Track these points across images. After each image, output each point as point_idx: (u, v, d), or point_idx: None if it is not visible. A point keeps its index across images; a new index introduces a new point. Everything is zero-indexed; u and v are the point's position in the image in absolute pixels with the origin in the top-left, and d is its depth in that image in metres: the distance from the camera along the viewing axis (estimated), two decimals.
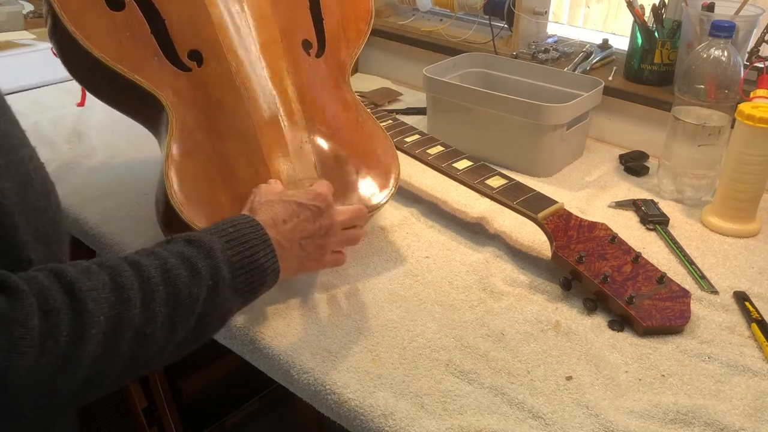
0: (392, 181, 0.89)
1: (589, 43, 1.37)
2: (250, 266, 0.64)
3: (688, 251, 0.91)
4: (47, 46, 1.65)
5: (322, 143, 0.87)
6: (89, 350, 0.50)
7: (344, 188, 0.86)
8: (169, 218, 0.78)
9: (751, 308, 0.80)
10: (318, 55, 0.90)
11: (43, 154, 0.68)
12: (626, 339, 0.76)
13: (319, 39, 0.90)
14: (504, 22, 1.37)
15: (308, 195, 0.74)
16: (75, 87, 1.43)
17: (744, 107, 0.91)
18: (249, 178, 0.80)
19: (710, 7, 1.11)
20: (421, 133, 1.05)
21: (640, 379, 0.70)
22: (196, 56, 0.81)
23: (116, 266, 0.55)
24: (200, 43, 0.81)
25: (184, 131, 0.79)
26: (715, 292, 0.84)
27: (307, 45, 0.89)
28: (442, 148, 1.00)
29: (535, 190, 0.91)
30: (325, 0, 0.91)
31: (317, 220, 0.74)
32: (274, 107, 0.84)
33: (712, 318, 0.80)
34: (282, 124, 0.84)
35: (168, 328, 0.56)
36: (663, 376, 0.71)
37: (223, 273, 0.61)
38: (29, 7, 1.97)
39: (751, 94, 0.96)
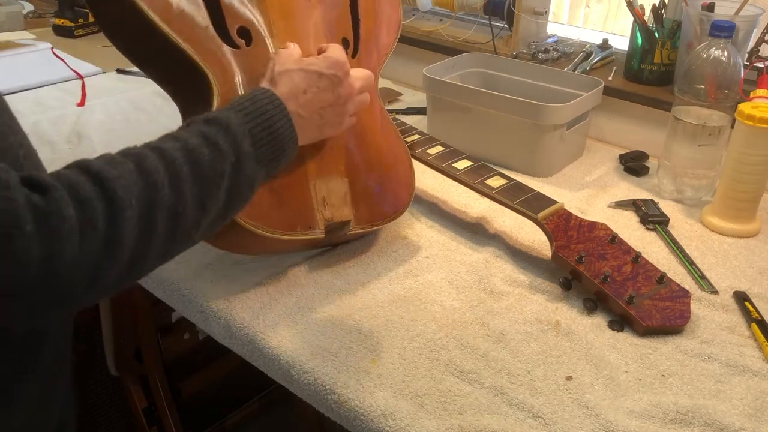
0: (409, 195, 0.91)
1: (589, 43, 1.37)
2: (269, 137, 0.66)
3: (688, 251, 0.91)
4: (47, 46, 1.65)
5: (353, 144, 0.86)
6: (127, 233, 0.52)
7: (364, 193, 0.86)
8: None
9: (751, 308, 0.80)
10: (353, 56, 0.89)
11: (43, 154, 0.69)
12: (626, 339, 0.76)
13: (355, 39, 0.90)
14: (504, 22, 1.37)
15: (327, 63, 0.74)
16: (75, 87, 1.43)
17: (744, 107, 0.91)
18: (287, 167, 0.78)
19: (710, 7, 1.11)
20: (421, 133, 1.05)
21: (640, 379, 0.70)
22: (245, 34, 0.79)
23: (139, 153, 0.57)
24: (253, 20, 0.79)
25: None
26: (715, 292, 0.84)
27: (345, 43, 0.88)
28: (442, 148, 1.00)
29: (535, 190, 0.91)
30: (362, 2, 0.91)
31: (336, 88, 0.74)
32: None
33: (712, 318, 0.80)
34: None
35: (199, 204, 0.58)
36: (663, 376, 0.71)
37: (245, 146, 0.63)
38: (29, 7, 1.97)
39: (751, 94, 0.96)
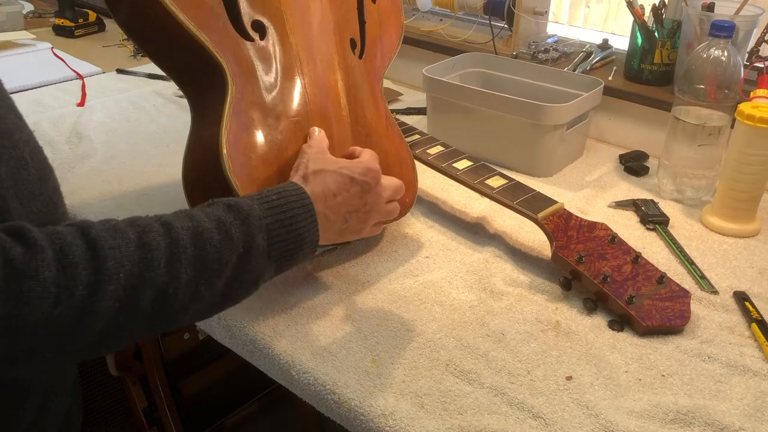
0: (411, 198, 0.91)
1: (589, 43, 1.37)
2: (288, 235, 0.65)
3: (688, 251, 0.91)
4: (47, 46, 1.66)
5: (362, 143, 0.86)
6: (106, 305, 0.51)
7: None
8: (213, 181, 0.77)
9: (751, 308, 0.80)
10: (360, 56, 0.89)
11: None
12: (626, 339, 0.76)
13: (362, 40, 0.90)
14: (504, 22, 1.37)
15: (360, 169, 0.74)
16: (75, 87, 1.44)
17: (744, 107, 0.91)
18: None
19: (710, 7, 1.11)
20: (421, 133, 1.05)
21: (640, 379, 0.70)
22: (259, 27, 0.79)
23: (146, 226, 0.56)
24: (266, 15, 0.79)
25: (242, 102, 0.76)
26: (715, 292, 0.84)
27: (353, 44, 0.88)
28: (442, 148, 1.00)
29: (535, 190, 0.91)
30: (368, 5, 0.91)
31: (365, 195, 0.74)
32: (326, 99, 0.83)
33: (712, 318, 0.80)
34: (331, 116, 0.83)
35: (192, 289, 0.57)
36: (663, 376, 0.71)
37: (258, 240, 0.62)
38: (29, 7, 1.98)
39: (751, 94, 0.96)
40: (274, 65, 0.79)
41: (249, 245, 0.61)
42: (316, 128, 0.79)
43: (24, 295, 0.47)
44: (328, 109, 0.83)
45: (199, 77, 0.80)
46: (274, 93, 0.79)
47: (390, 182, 0.79)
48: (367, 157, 0.78)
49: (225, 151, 0.73)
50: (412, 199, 0.92)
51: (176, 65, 0.82)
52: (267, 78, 0.78)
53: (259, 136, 0.77)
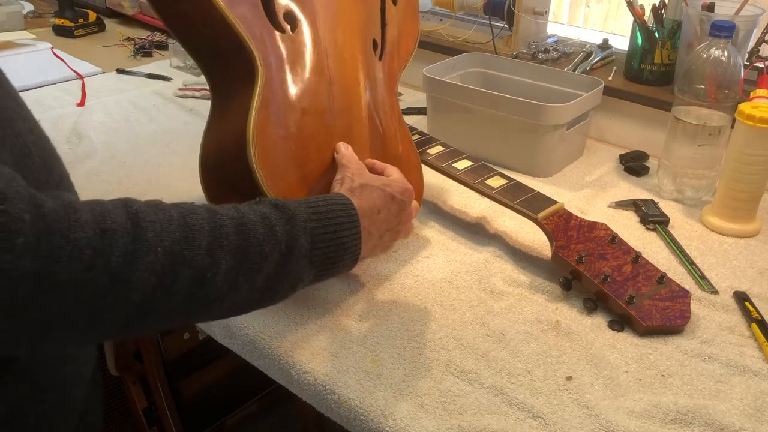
0: (418, 202, 0.90)
1: (589, 43, 1.37)
2: (331, 242, 0.64)
3: (688, 251, 0.91)
4: (47, 46, 1.66)
5: (378, 145, 0.86)
6: (141, 276, 0.50)
7: None
8: (234, 170, 0.76)
9: (751, 308, 0.80)
10: (380, 58, 0.90)
11: None
12: (626, 339, 0.76)
13: (382, 42, 0.90)
14: (504, 22, 1.37)
15: (399, 188, 0.75)
16: (75, 87, 1.43)
17: (744, 107, 0.91)
18: (319, 162, 0.79)
19: (710, 7, 1.11)
20: (421, 133, 1.05)
21: (640, 379, 0.70)
22: (291, 19, 0.78)
23: (191, 208, 0.56)
24: (298, 6, 0.79)
25: (270, 93, 0.75)
26: (715, 292, 0.84)
27: (374, 44, 0.88)
28: (442, 148, 1.00)
29: (535, 190, 0.91)
30: (389, 7, 0.91)
31: (400, 214, 0.75)
32: (349, 97, 0.83)
33: (712, 318, 0.80)
34: (353, 116, 0.83)
35: (231, 278, 0.56)
36: (663, 376, 0.71)
37: (301, 241, 0.61)
38: (29, 7, 1.98)
39: (751, 94, 0.96)
40: (302, 58, 0.79)
41: (292, 245, 0.60)
42: (342, 144, 0.80)
43: (54, 252, 0.46)
44: (351, 108, 0.83)
45: (228, 64, 0.79)
46: (301, 86, 0.78)
47: (416, 203, 0.80)
48: (400, 175, 0.79)
49: (252, 142, 0.72)
50: (419, 204, 0.91)
51: (205, 48, 0.81)
52: (295, 71, 0.78)
53: (285, 130, 0.76)
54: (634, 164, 1.14)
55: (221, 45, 0.76)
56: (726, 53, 0.96)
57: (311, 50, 0.79)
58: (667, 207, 1.02)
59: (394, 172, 0.80)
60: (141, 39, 1.74)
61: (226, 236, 0.55)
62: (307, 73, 0.79)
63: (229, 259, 0.55)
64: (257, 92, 0.74)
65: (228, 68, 0.79)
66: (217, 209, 0.57)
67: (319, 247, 0.63)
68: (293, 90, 0.77)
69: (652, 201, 1.03)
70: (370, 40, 0.87)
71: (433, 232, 0.95)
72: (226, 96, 0.80)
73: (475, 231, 0.96)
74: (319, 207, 0.65)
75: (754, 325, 0.77)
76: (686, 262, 0.89)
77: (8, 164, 0.56)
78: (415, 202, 0.80)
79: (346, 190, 0.72)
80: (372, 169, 0.81)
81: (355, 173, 0.75)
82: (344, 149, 0.79)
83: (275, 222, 0.60)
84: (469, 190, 0.94)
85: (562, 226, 0.85)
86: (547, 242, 0.85)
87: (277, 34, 0.77)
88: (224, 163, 0.79)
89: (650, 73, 1.20)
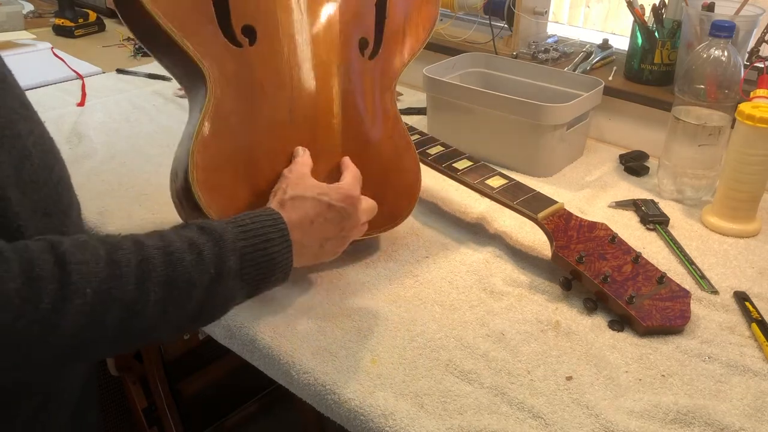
0: (408, 209, 0.90)
1: (589, 43, 1.37)
2: (261, 259, 0.64)
3: (688, 251, 0.91)
4: (47, 46, 1.66)
5: (356, 149, 0.84)
6: (71, 319, 0.51)
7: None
8: (185, 194, 0.76)
9: (751, 308, 0.80)
10: (371, 57, 0.85)
11: None
12: (626, 339, 0.76)
13: (376, 39, 0.85)
14: (504, 22, 1.37)
15: (339, 195, 0.74)
16: (75, 87, 1.43)
17: (744, 107, 0.91)
18: (272, 174, 0.77)
19: (710, 7, 1.11)
20: (421, 133, 1.05)
21: (640, 379, 0.70)
22: (250, 32, 0.75)
23: (117, 243, 0.56)
24: (258, 20, 0.76)
25: (219, 111, 0.74)
26: (715, 292, 0.84)
27: (363, 44, 0.84)
28: (442, 148, 1.00)
29: (535, 190, 0.91)
30: None
31: (342, 222, 0.74)
32: (316, 105, 0.80)
33: (712, 318, 0.80)
34: (318, 126, 0.80)
35: (161, 308, 0.56)
36: (663, 376, 0.71)
37: (230, 263, 0.61)
38: (29, 7, 1.97)
39: (751, 94, 0.96)
40: (260, 72, 0.76)
41: (221, 267, 0.60)
42: (301, 148, 0.78)
43: None
44: (317, 118, 0.80)
45: (188, 80, 0.78)
46: (256, 101, 0.76)
47: (367, 205, 0.78)
48: (348, 180, 0.77)
49: (192, 159, 0.72)
50: (410, 207, 0.90)
51: (177, 69, 0.81)
52: (251, 86, 0.76)
53: (233, 146, 0.75)
54: (634, 164, 1.14)
55: (179, 63, 0.75)
56: (726, 53, 0.96)
57: (270, 62, 0.77)
58: (667, 207, 1.02)
59: (347, 176, 0.78)
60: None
61: (153, 268, 0.56)
62: (265, 86, 0.76)
63: (158, 291, 0.56)
64: (204, 110, 0.73)
65: (194, 87, 0.78)
66: (144, 240, 0.57)
67: (249, 265, 0.63)
68: (245, 105, 0.76)
69: (652, 201, 1.03)
70: (355, 39, 0.83)
71: (433, 232, 0.95)
72: (191, 111, 0.79)
73: (475, 231, 0.96)
74: (246, 225, 0.64)
75: (754, 325, 0.77)
76: (686, 262, 0.89)
77: (6, 165, 0.57)
78: (370, 203, 0.79)
79: (276, 204, 0.71)
80: (337, 168, 0.80)
81: (290, 183, 0.73)
82: (299, 157, 0.77)
83: (203, 246, 0.59)
84: (469, 190, 0.94)
85: (562, 226, 0.85)
86: (547, 242, 0.85)
87: (233, 49, 0.75)
88: (177, 178, 0.77)
89: (650, 73, 1.20)
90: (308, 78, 0.79)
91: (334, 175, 0.81)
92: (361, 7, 0.83)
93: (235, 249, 0.62)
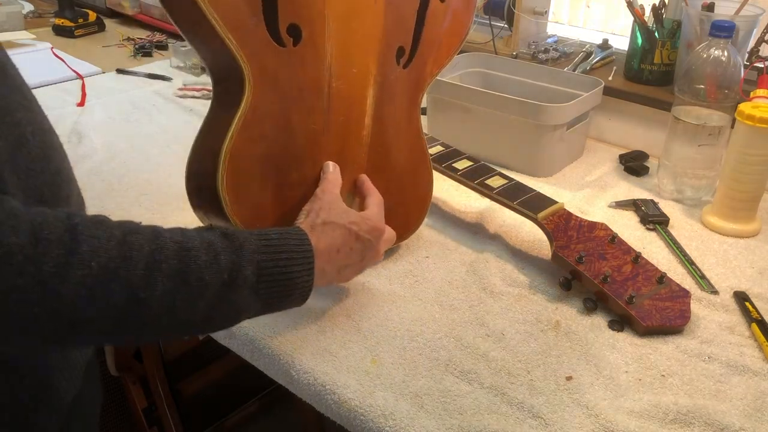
0: (419, 222, 0.90)
1: (589, 43, 1.37)
2: (280, 276, 0.63)
3: (688, 251, 0.91)
4: (47, 46, 1.66)
5: (375, 170, 0.83)
6: (72, 289, 0.50)
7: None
8: (208, 195, 0.73)
9: (751, 308, 0.80)
10: (405, 66, 0.83)
11: None
12: (626, 339, 0.76)
13: (412, 48, 0.83)
14: (504, 22, 1.37)
15: (368, 227, 0.73)
16: (75, 87, 1.44)
17: (744, 107, 0.91)
18: (299, 183, 0.76)
19: (710, 7, 1.11)
20: None
21: (640, 379, 0.70)
22: (295, 32, 0.72)
23: (134, 228, 0.55)
24: (305, 20, 0.72)
25: (255, 113, 0.71)
26: (715, 292, 0.84)
27: (400, 53, 0.81)
28: (442, 148, 1.00)
29: (535, 190, 0.91)
30: (434, 5, 0.82)
31: (365, 252, 0.73)
32: (349, 116, 0.78)
33: (712, 318, 0.80)
34: (350, 135, 0.79)
35: (167, 301, 0.56)
36: (663, 376, 0.71)
37: (246, 272, 0.60)
38: (29, 7, 1.97)
39: (751, 94, 0.96)
40: (300, 76, 0.73)
41: (235, 275, 0.59)
42: (331, 164, 0.77)
43: None
44: (350, 127, 0.79)
45: (228, 77, 0.74)
46: (294, 105, 0.74)
47: (388, 236, 0.78)
48: (375, 210, 0.77)
49: (223, 165, 0.70)
50: (421, 217, 0.90)
51: (213, 60, 0.76)
52: (289, 89, 0.73)
53: (265, 151, 0.73)
54: (634, 164, 1.14)
55: (224, 58, 0.72)
56: (726, 53, 0.96)
57: (312, 67, 0.74)
58: (667, 207, 1.02)
59: (373, 205, 0.77)
60: (141, 39, 1.74)
61: (165, 259, 0.55)
62: (303, 90, 0.74)
63: (166, 282, 0.55)
64: (241, 111, 0.70)
65: (228, 81, 0.74)
66: (163, 231, 0.57)
67: (266, 281, 0.62)
68: (282, 109, 0.73)
69: (652, 201, 1.03)
70: (394, 48, 0.80)
71: (433, 232, 0.95)
72: (219, 108, 0.76)
73: (475, 231, 0.96)
74: (271, 240, 0.64)
75: (754, 325, 0.77)
76: (686, 262, 0.89)
77: (2, 150, 0.57)
78: (390, 234, 0.78)
79: (308, 226, 0.70)
80: (359, 189, 0.80)
81: (324, 207, 0.73)
82: (330, 174, 0.77)
83: (221, 251, 0.59)
84: (469, 190, 0.94)
85: (562, 226, 0.85)
86: (547, 242, 0.85)
87: (276, 48, 0.71)
88: (199, 176, 0.75)
89: (650, 73, 1.20)
90: (346, 87, 0.77)
91: (353, 188, 0.81)
92: (404, 14, 0.81)
93: (253, 260, 0.61)
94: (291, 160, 0.75)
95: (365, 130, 0.81)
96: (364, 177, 0.82)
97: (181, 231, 0.59)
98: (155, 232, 0.56)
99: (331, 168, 0.77)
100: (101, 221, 0.54)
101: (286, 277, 0.64)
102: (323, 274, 0.69)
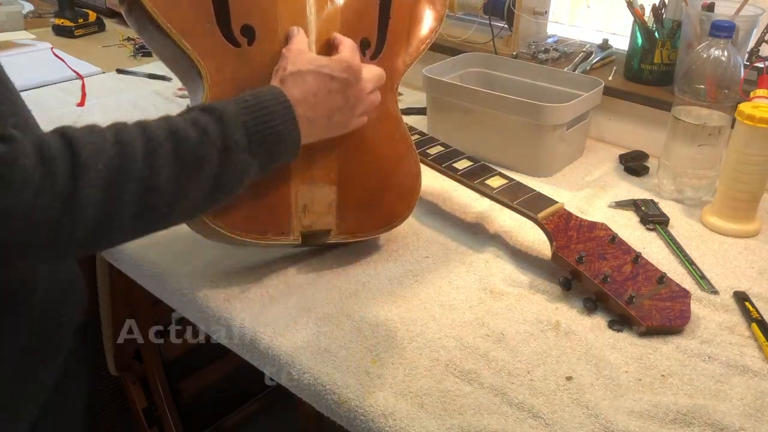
0: (407, 210, 0.89)
1: (589, 43, 1.37)
2: (267, 131, 0.66)
3: (688, 251, 0.91)
4: (47, 46, 1.66)
5: (350, 153, 0.83)
6: (89, 193, 0.54)
7: (354, 203, 0.84)
8: None
9: (751, 308, 0.80)
10: (372, 57, 0.84)
11: None
12: (626, 339, 0.76)
13: (379, 39, 0.84)
14: (504, 22, 1.37)
15: (340, 66, 0.74)
16: (75, 87, 1.43)
17: (744, 107, 0.91)
18: (269, 174, 0.75)
19: (710, 7, 1.11)
20: (421, 133, 1.05)
21: (640, 379, 0.70)
22: (249, 32, 0.75)
23: (122, 127, 0.59)
24: (257, 19, 0.75)
25: None
26: (715, 292, 0.84)
27: (365, 44, 0.83)
28: (442, 148, 1.00)
29: (535, 190, 0.91)
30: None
31: (346, 91, 0.74)
32: None
33: (712, 318, 0.80)
34: None
35: (175, 184, 0.60)
36: (663, 376, 0.71)
37: (236, 137, 0.64)
38: (29, 7, 1.97)
39: (751, 94, 0.96)
40: (258, 73, 0.75)
41: (227, 142, 0.63)
42: (295, 28, 0.77)
43: (5, 182, 0.50)
44: None
45: (187, 78, 0.78)
46: None
47: (371, 73, 0.78)
48: (347, 52, 0.76)
49: None
50: (407, 212, 0.90)
51: (171, 64, 0.80)
52: (249, 86, 0.74)
53: None
54: (634, 164, 1.14)
55: (186, 63, 0.74)
56: (726, 53, 0.96)
57: (270, 63, 0.75)
58: (667, 207, 1.02)
59: (345, 49, 0.76)
60: (141, 39, 1.73)
61: (159, 145, 0.59)
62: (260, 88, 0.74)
63: (167, 166, 0.59)
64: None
65: (194, 86, 0.77)
66: (148, 123, 0.60)
67: (256, 139, 0.66)
68: None
69: (652, 201, 1.03)
70: (358, 40, 0.82)
71: (433, 232, 0.95)
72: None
73: (475, 231, 0.96)
74: (247, 102, 0.66)
75: (754, 325, 0.77)
76: (686, 262, 0.89)
77: None
78: (375, 71, 0.78)
79: (277, 81, 0.72)
80: (330, 43, 0.79)
81: (290, 59, 0.73)
82: (295, 36, 0.76)
83: (206, 124, 0.62)
84: (469, 190, 0.94)
85: (562, 226, 0.85)
86: (547, 242, 0.85)
87: (231, 49, 0.74)
88: None
89: (650, 73, 1.20)
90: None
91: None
92: (364, 7, 0.83)
93: (238, 123, 0.64)
94: None
95: None
96: (337, 33, 0.80)
97: (165, 118, 0.62)
98: (141, 125, 0.60)
99: (296, 31, 0.77)
100: (91, 128, 0.57)
101: (270, 132, 0.67)
102: (312, 123, 0.71)
